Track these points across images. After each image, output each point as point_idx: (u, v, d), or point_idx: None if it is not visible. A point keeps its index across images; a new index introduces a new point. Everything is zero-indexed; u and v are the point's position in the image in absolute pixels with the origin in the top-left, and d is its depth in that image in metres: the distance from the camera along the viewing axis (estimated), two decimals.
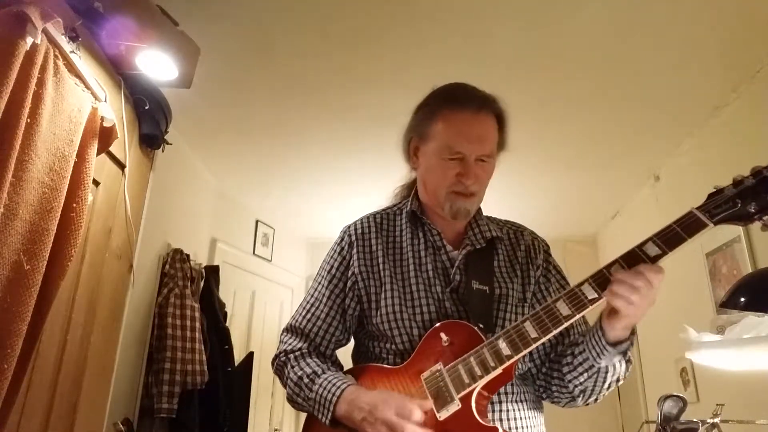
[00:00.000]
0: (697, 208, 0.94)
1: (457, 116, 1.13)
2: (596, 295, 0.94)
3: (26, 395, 1.35)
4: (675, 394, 1.34)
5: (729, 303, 1.43)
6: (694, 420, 1.31)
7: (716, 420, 1.31)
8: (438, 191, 1.15)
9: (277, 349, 1.22)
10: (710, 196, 0.95)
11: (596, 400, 1.11)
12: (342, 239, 1.25)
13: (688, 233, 0.92)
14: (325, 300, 1.21)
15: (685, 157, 2.80)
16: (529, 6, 1.92)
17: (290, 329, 1.23)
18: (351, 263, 1.21)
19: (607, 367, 1.02)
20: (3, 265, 1.15)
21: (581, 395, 1.08)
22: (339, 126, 2.75)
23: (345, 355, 1.25)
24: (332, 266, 1.23)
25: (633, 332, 1.00)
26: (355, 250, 1.21)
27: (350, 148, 2.97)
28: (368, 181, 3.30)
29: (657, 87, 2.35)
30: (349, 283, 1.20)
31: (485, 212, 1.30)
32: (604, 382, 1.05)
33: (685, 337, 1.52)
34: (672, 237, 0.93)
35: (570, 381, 1.06)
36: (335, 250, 1.25)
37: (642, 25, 1.99)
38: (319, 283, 1.24)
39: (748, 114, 2.27)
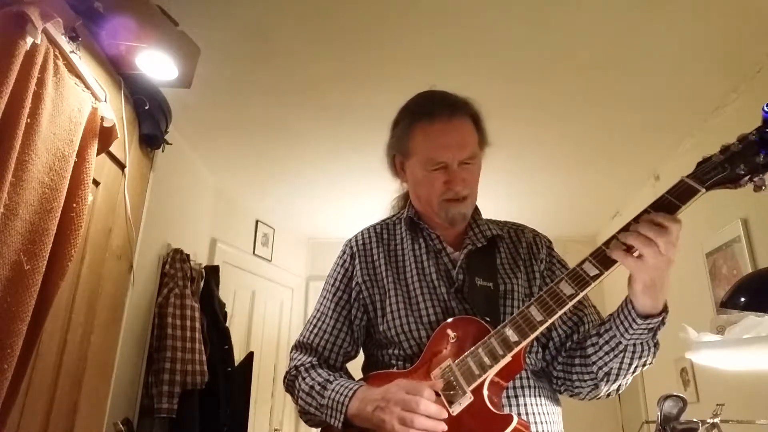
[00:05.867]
0: (687, 176, 0.94)
1: (431, 128, 1.14)
2: (597, 272, 0.93)
3: (26, 395, 1.35)
4: (675, 394, 1.34)
5: (729, 303, 1.43)
6: (694, 420, 1.31)
7: (716, 420, 1.31)
8: (431, 202, 1.16)
9: (287, 366, 1.23)
10: (699, 164, 0.95)
11: (619, 388, 1.08)
12: (344, 252, 1.27)
13: (681, 200, 0.92)
14: (330, 313, 1.22)
15: (685, 157, 2.79)
16: (530, 6, 1.92)
17: (299, 346, 1.24)
18: (354, 274, 1.22)
19: (634, 345, 0.99)
20: (3, 265, 1.15)
21: (605, 378, 1.05)
22: (339, 126, 2.75)
23: (356, 370, 1.25)
24: (336, 279, 1.24)
25: (665, 310, 0.97)
26: (357, 261, 1.23)
27: (350, 147, 2.97)
28: (368, 180, 3.30)
29: (657, 87, 2.35)
30: (353, 294, 1.21)
31: (485, 213, 1.30)
32: (630, 363, 1.01)
33: (685, 337, 1.52)
34: (666, 206, 0.92)
35: (594, 362, 1.04)
36: (338, 264, 1.27)
37: (642, 25, 1.99)
38: (324, 297, 1.25)
39: (748, 114, 2.25)
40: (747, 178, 0.90)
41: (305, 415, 1.16)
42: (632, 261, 0.90)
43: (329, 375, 1.13)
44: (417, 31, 2.06)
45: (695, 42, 2.06)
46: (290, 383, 1.20)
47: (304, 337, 1.24)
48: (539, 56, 2.18)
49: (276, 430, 3.82)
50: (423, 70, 2.23)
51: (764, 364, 1.50)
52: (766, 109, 0.88)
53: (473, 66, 2.24)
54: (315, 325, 1.23)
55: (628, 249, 0.91)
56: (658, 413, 1.33)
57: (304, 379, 1.14)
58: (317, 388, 1.10)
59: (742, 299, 1.42)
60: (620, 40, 2.07)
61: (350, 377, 1.19)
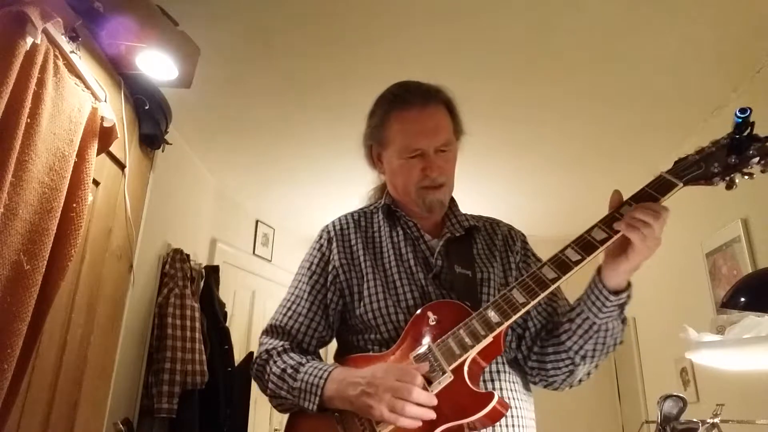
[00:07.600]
0: (665, 172, 1.01)
1: (406, 115, 1.17)
2: (579, 257, 0.97)
3: (26, 395, 1.35)
4: (675, 394, 1.34)
5: (729, 303, 1.43)
6: (694, 420, 1.31)
7: (716, 420, 1.31)
8: (408, 190, 1.18)
9: (256, 352, 1.18)
10: (676, 162, 1.03)
11: (596, 367, 1.10)
12: (321, 237, 1.26)
13: (660, 193, 0.98)
14: (305, 296, 1.18)
15: None
16: (529, 6, 1.92)
17: (270, 330, 1.19)
18: (331, 258, 1.20)
19: (606, 324, 1.02)
20: (3, 265, 1.15)
21: (582, 362, 1.06)
22: (339, 125, 2.75)
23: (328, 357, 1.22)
24: (312, 263, 1.22)
25: (629, 285, 1.01)
26: (334, 245, 1.22)
27: (350, 147, 2.95)
28: (368, 181, 3.29)
29: (657, 87, 2.35)
30: (330, 278, 1.19)
31: (484, 211, 1.31)
32: (604, 343, 1.04)
33: (685, 337, 1.52)
34: (646, 198, 0.98)
35: (570, 347, 1.05)
36: (314, 248, 1.25)
37: (642, 24, 1.99)
38: (299, 281, 1.22)
39: None
40: (720, 176, 0.98)
41: (275, 400, 1.11)
42: (637, 234, 0.93)
43: (302, 358, 1.10)
44: (417, 31, 2.06)
45: (695, 42, 2.06)
46: (260, 369, 1.14)
47: (276, 320, 1.19)
48: (539, 56, 2.18)
49: (276, 430, 3.82)
50: (423, 71, 2.20)
51: (764, 364, 1.50)
52: (738, 114, 0.93)
53: (473, 66, 2.23)
54: (289, 308, 1.19)
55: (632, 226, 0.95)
56: (658, 413, 1.33)
57: (275, 362, 1.10)
58: (289, 371, 1.07)
59: (742, 299, 1.42)
60: (620, 40, 2.07)
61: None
